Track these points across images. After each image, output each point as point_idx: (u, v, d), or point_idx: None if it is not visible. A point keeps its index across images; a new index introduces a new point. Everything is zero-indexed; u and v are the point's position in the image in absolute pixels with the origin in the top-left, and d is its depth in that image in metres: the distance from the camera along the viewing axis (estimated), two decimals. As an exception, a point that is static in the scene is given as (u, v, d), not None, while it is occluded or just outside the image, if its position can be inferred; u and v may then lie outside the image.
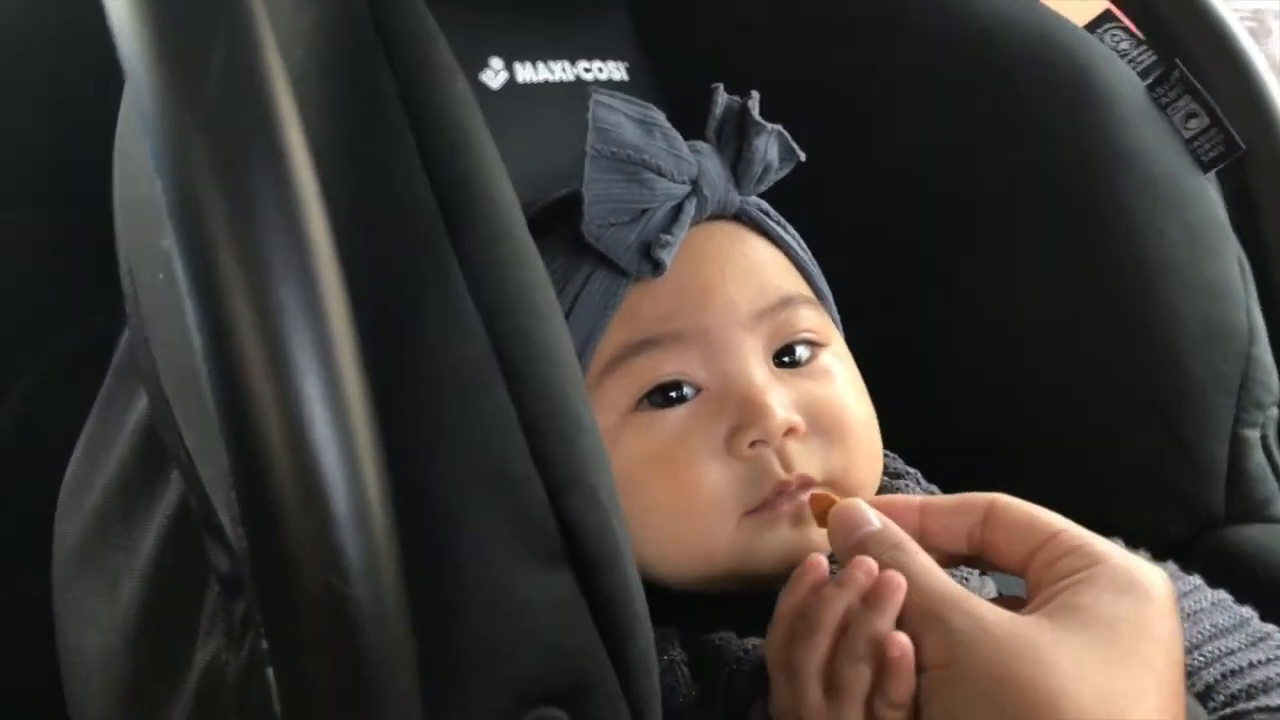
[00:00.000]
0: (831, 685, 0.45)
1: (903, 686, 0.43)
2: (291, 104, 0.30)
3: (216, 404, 0.29)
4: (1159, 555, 0.56)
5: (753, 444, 0.53)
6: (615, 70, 0.76)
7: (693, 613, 0.54)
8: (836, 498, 0.49)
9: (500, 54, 0.71)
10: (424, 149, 0.39)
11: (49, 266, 0.76)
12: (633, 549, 0.50)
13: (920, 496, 0.49)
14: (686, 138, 0.57)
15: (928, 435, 0.67)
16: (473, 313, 0.38)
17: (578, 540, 0.39)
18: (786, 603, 0.48)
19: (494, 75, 0.70)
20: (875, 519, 0.47)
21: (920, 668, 0.42)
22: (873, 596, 0.45)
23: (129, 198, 0.48)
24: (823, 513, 0.49)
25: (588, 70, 0.74)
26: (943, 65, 0.70)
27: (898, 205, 0.72)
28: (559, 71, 0.73)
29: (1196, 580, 0.59)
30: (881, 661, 0.43)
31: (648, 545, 0.53)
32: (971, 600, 0.43)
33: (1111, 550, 0.44)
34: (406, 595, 0.30)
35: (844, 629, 0.45)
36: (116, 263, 0.50)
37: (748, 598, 0.55)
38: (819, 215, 0.63)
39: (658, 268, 0.54)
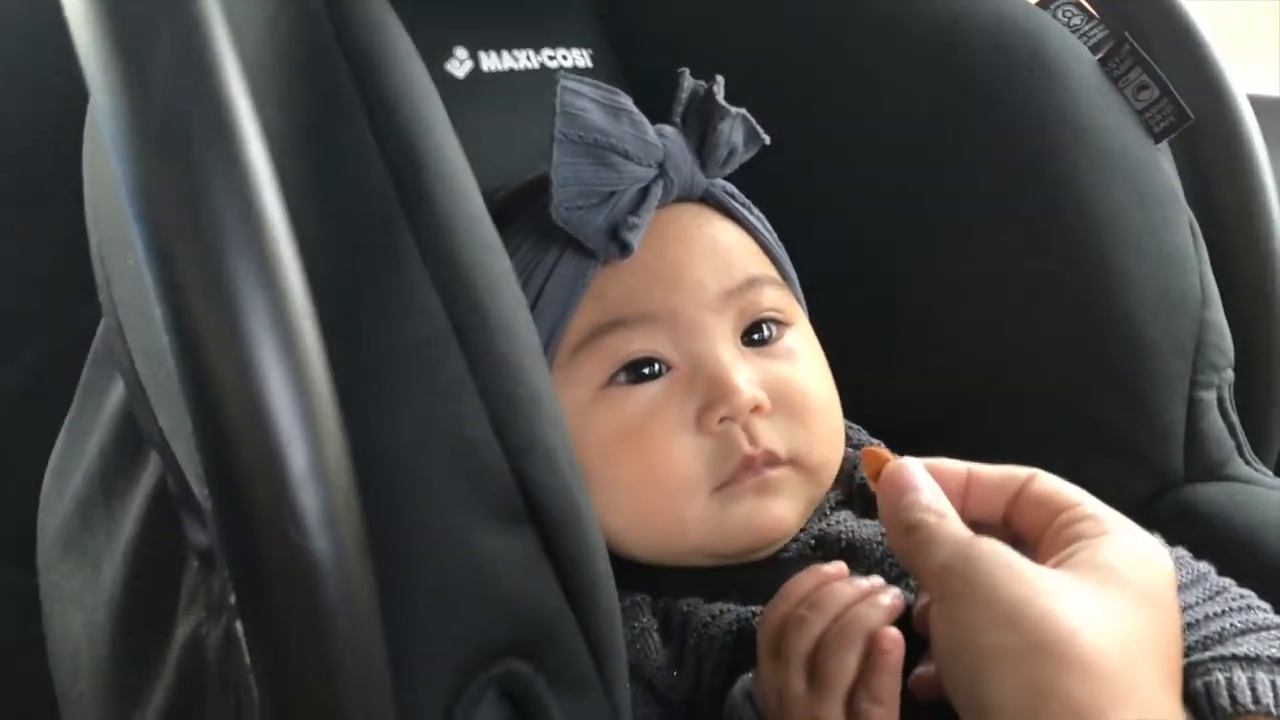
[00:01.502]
0: (815, 673, 0.46)
1: (886, 682, 0.45)
2: (242, 86, 0.32)
3: (178, 371, 0.30)
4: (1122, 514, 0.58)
5: (721, 420, 0.54)
6: (579, 58, 0.77)
7: (661, 581, 0.56)
8: (890, 456, 0.50)
9: (465, 43, 0.72)
10: (379, 133, 0.40)
11: (37, 265, 0.78)
12: (603, 523, 0.51)
13: (968, 464, 0.49)
14: (652, 122, 0.58)
15: (891, 405, 0.69)
16: (429, 289, 0.39)
17: (537, 500, 0.40)
18: (792, 589, 0.49)
19: (459, 64, 0.71)
20: (923, 484, 0.47)
21: (938, 597, 0.43)
22: (874, 597, 0.47)
23: (100, 187, 0.49)
24: (875, 471, 0.50)
25: (552, 58, 0.75)
26: (903, 48, 0.71)
27: (863, 185, 0.73)
28: (523, 60, 0.74)
29: (1157, 538, 0.60)
30: (869, 655, 0.45)
31: (618, 519, 0.55)
32: (999, 545, 0.44)
33: (1126, 523, 0.46)
34: (367, 548, 0.32)
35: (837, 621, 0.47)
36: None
37: (715, 568, 0.57)
38: (784, 197, 0.65)
39: (625, 249, 0.55)
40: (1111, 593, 0.42)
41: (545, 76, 0.74)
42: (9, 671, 0.74)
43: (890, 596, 0.48)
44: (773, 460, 0.55)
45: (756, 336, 0.58)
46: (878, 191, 0.73)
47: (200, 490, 0.31)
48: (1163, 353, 0.66)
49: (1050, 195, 0.67)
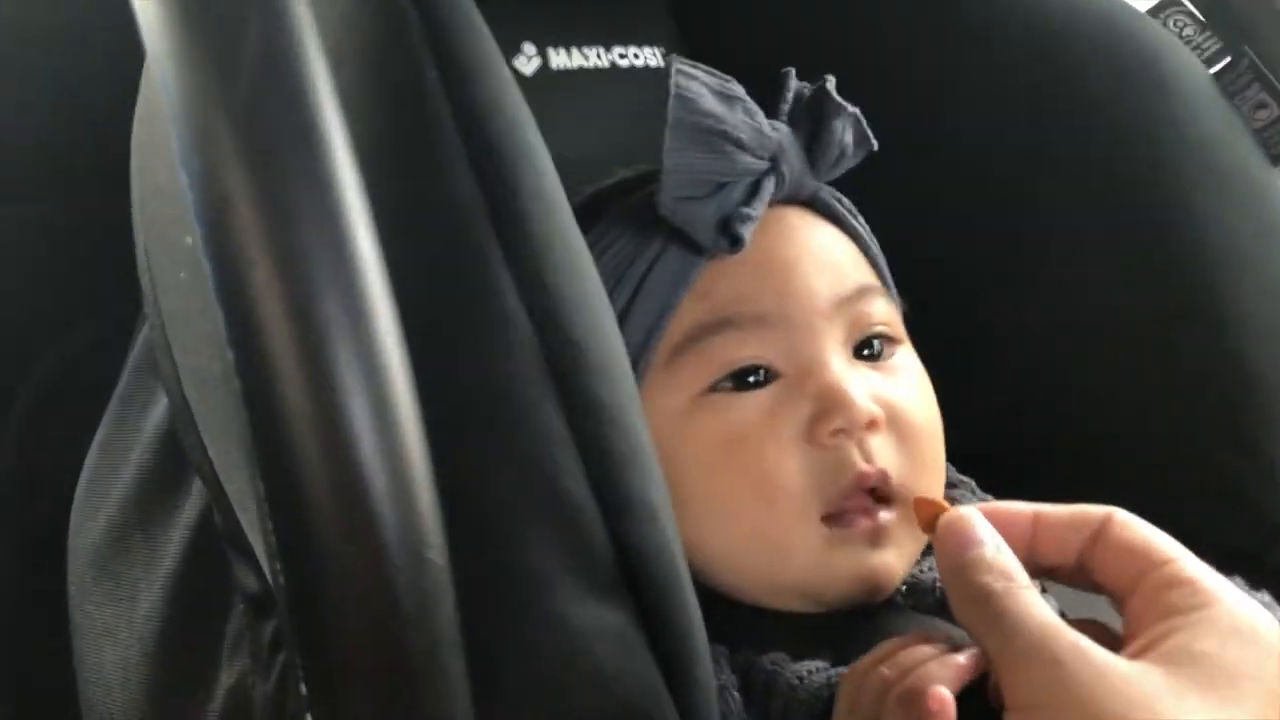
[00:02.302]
0: None
1: None
2: (332, 95, 0.27)
3: (251, 425, 0.26)
4: (1226, 567, 0.54)
5: (834, 433, 0.51)
6: (650, 56, 0.73)
7: (744, 626, 0.51)
8: (946, 505, 0.45)
9: (533, 39, 0.68)
10: (470, 144, 0.36)
11: (57, 263, 0.74)
12: (695, 547, 0.48)
13: (1034, 505, 0.44)
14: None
15: (978, 438, 0.64)
16: (525, 323, 0.35)
17: (636, 565, 0.36)
18: (889, 646, 0.45)
19: (527, 61, 0.68)
20: (988, 538, 0.42)
21: (1015, 706, 0.39)
22: (948, 658, 0.42)
23: (148, 192, 0.45)
24: (929, 519, 0.45)
25: (623, 56, 0.71)
26: (1005, 56, 0.67)
27: (957, 199, 0.69)
28: (593, 57, 0.70)
29: (1266, 597, 0.56)
30: (919, 714, 0.40)
31: (715, 540, 0.51)
32: (1083, 640, 0.39)
33: (1228, 589, 0.40)
34: (460, 633, 0.27)
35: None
36: (123, 259, 0.48)
37: (805, 616, 0.52)
38: (871, 209, 0.61)
39: (736, 243, 0.52)
40: (1218, 695, 0.37)
41: (615, 75, 0.70)
42: (39, 670, 0.71)
43: (966, 655, 0.43)
44: (885, 480, 0.51)
45: (866, 352, 0.55)
46: (974, 208, 0.69)
47: (270, 563, 0.26)
48: (1276, 392, 0.61)
49: (1160, 219, 0.63)
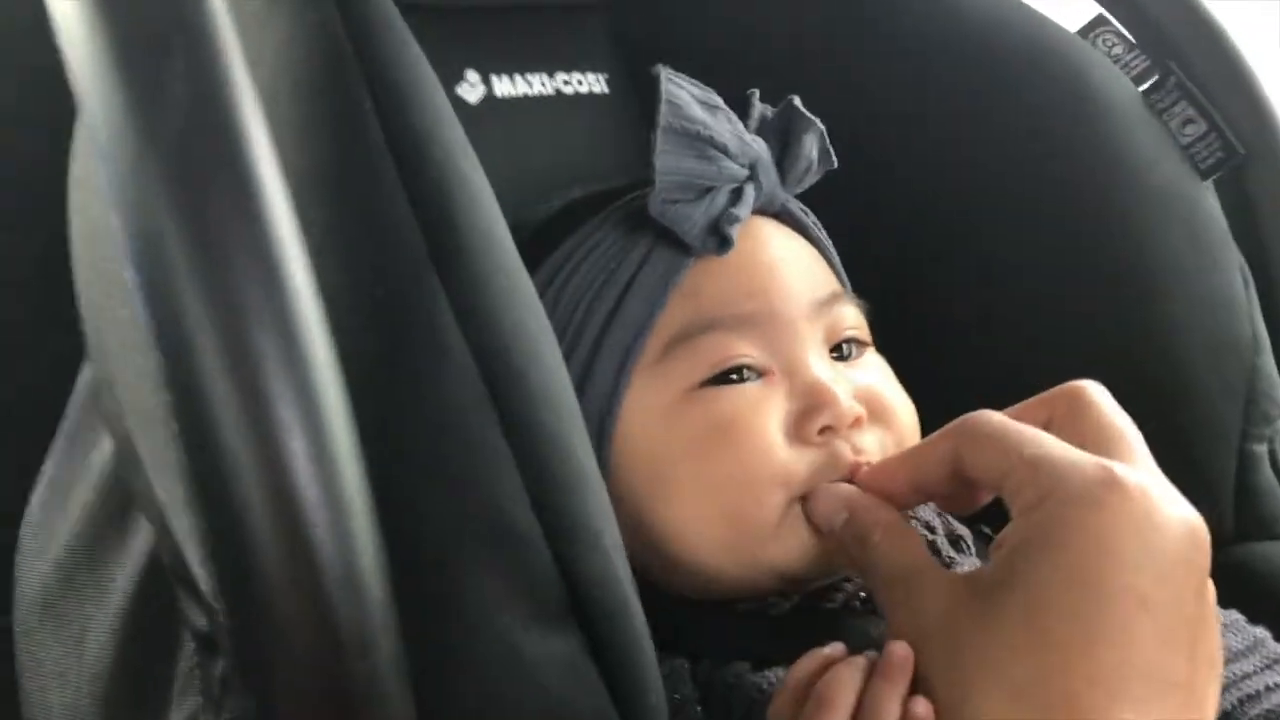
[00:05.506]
0: None
1: None
2: (262, 125, 0.28)
3: (188, 465, 0.26)
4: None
5: (822, 430, 0.52)
6: (595, 83, 0.73)
7: (705, 635, 0.52)
8: None
9: (476, 67, 0.68)
10: (406, 176, 0.36)
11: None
12: (679, 534, 0.52)
13: (903, 453, 0.50)
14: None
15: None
16: (464, 351, 0.35)
17: (584, 592, 0.36)
18: (796, 674, 0.46)
19: (470, 89, 0.68)
20: (852, 490, 0.50)
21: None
22: (884, 669, 0.43)
23: (87, 228, 0.45)
24: None
25: (567, 83, 0.72)
26: (939, 77, 0.69)
27: (897, 218, 0.70)
28: (538, 85, 0.70)
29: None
30: None
31: (698, 523, 0.52)
32: (914, 597, 0.44)
33: (1052, 470, 0.42)
34: (406, 664, 0.27)
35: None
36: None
37: (768, 618, 0.53)
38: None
39: (725, 244, 0.54)
40: (1021, 618, 0.40)
41: (561, 103, 0.71)
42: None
43: (897, 657, 0.44)
44: None
45: (835, 355, 0.57)
46: (916, 225, 0.70)
47: (214, 599, 0.26)
48: (1213, 401, 0.63)
49: (1094, 235, 0.65)
